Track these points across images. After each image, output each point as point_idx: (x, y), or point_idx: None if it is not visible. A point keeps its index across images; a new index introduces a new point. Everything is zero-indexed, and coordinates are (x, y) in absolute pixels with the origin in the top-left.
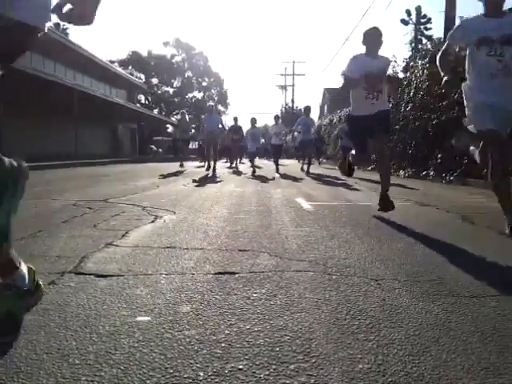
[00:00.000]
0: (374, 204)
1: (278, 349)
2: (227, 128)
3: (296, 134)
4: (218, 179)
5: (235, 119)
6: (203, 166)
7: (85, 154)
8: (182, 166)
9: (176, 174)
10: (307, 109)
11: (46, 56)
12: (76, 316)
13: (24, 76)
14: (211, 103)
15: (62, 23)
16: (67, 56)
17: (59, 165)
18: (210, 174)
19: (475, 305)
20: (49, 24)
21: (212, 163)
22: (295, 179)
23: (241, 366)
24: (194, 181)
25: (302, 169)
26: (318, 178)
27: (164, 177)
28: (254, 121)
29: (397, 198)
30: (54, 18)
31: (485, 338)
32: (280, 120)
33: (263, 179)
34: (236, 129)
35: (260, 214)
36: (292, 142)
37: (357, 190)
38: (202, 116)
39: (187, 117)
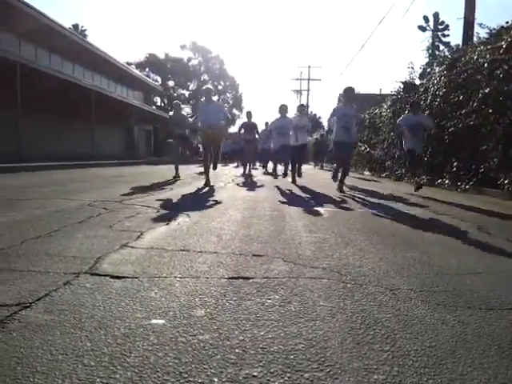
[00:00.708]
0: (389, 212)
1: (292, 357)
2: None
3: (326, 129)
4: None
5: (249, 114)
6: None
7: (101, 154)
8: (176, 175)
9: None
10: (348, 91)
11: (64, 57)
12: (91, 317)
13: (43, 76)
14: (209, 86)
15: (80, 25)
16: (85, 57)
17: (75, 165)
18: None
19: (492, 317)
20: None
21: (211, 171)
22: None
23: (255, 373)
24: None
25: (334, 177)
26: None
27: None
28: (284, 109)
29: (412, 206)
30: (74, 20)
31: (502, 351)
32: (305, 111)
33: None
34: (250, 126)
35: (273, 219)
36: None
37: (371, 198)
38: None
39: (182, 106)
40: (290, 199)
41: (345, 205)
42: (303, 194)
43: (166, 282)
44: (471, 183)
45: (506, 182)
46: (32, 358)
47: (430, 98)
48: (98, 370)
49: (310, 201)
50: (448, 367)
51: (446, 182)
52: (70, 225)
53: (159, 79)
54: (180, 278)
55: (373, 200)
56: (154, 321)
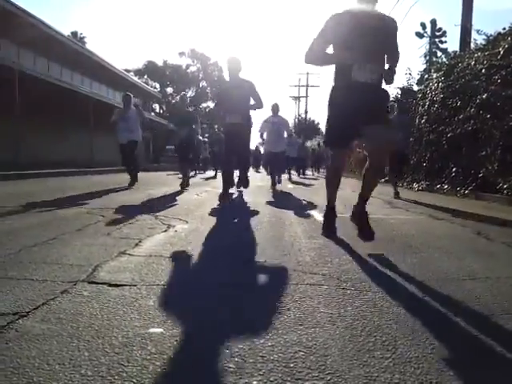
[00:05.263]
0: (388, 217)
1: (292, 365)
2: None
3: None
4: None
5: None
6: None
7: (100, 161)
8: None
9: None
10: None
11: (63, 65)
12: (88, 326)
13: (42, 84)
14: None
15: (79, 32)
16: (84, 65)
17: (74, 172)
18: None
19: (492, 323)
20: None
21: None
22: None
23: (255, 382)
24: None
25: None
26: None
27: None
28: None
29: (411, 212)
30: (72, 27)
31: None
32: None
33: None
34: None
35: (272, 225)
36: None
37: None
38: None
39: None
40: (288, 203)
41: (342, 209)
42: (300, 197)
43: (164, 289)
44: (470, 188)
45: (505, 186)
46: (29, 368)
47: (427, 103)
48: (95, 381)
49: (307, 205)
50: (450, 374)
51: (445, 187)
52: (68, 232)
53: (158, 86)
54: (178, 285)
55: (371, 207)
56: (151, 329)
